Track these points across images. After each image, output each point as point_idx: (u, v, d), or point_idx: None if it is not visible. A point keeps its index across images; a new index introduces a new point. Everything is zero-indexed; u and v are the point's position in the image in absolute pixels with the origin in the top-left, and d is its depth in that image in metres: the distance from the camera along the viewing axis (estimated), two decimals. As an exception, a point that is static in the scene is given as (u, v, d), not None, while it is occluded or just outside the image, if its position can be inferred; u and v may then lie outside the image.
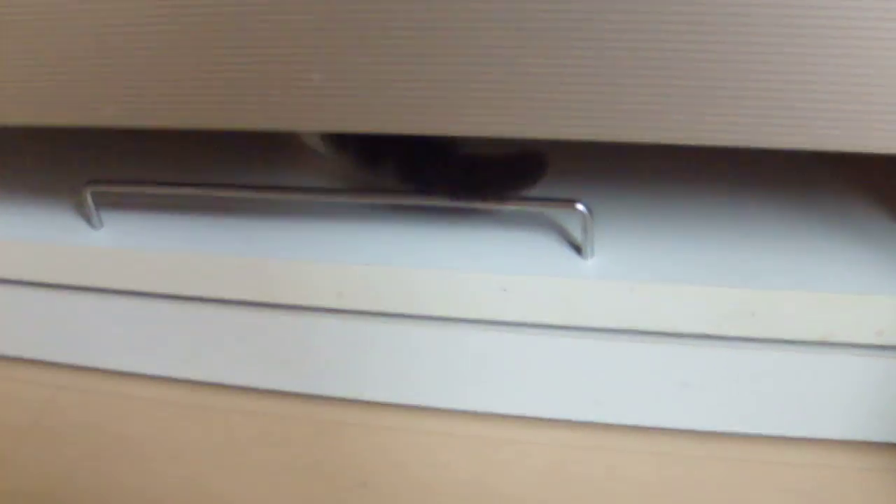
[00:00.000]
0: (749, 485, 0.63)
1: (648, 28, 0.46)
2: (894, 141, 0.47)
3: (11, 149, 0.83)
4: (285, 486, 0.66)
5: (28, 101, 0.57)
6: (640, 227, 0.65)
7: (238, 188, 0.67)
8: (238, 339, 0.70)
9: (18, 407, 0.74)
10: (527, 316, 0.63)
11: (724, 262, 0.61)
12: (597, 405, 0.67)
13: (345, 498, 0.65)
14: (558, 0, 0.46)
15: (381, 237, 0.66)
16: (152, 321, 0.70)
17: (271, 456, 0.68)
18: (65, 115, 0.58)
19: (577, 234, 0.64)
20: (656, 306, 0.60)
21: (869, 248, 0.61)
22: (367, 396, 0.71)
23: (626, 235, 0.64)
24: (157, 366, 0.74)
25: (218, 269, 0.66)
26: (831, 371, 0.61)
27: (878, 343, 0.59)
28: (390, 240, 0.66)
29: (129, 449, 0.70)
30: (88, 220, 0.69)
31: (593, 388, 0.66)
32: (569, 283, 0.61)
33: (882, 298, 0.57)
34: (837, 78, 0.45)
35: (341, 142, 0.69)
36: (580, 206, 0.60)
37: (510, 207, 0.64)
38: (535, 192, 0.62)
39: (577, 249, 0.63)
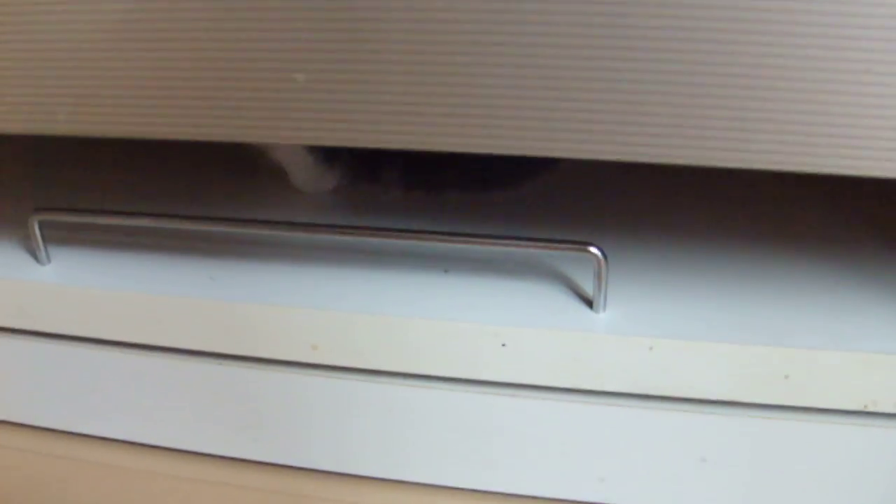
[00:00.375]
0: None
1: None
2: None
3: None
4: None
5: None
6: (657, 279, 0.58)
7: (202, 220, 0.59)
8: (196, 398, 0.61)
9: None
10: (528, 376, 0.55)
11: (752, 318, 0.54)
12: (600, 483, 0.58)
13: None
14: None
15: (365, 283, 0.59)
16: (98, 373, 0.62)
17: (229, 532, 0.60)
18: (16, 122, 0.51)
19: (586, 285, 0.57)
20: (677, 367, 0.53)
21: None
22: (342, 468, 0.62)
23: (641, 287, 0.57)
24: (104, 426, 0.65)
25: (176, 313, 0.58)
26: (874, 444, 0.53)
27: (929, 414, 0.52)
28: (375, 286, 0.58)
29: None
30: (34, 253, 0.61)
31: (598, 462, 0.58)
32: (578, 337, 0.53)
33: (936, 362, 0.51)
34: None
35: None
36: (594, 250, 0.53)
37: (513, 249, 0.57)
38: (539, 235, 0.55)
39: (588, 302, 0.56)
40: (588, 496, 0.59)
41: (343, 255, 0.61)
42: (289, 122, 0.48)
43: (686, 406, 0.55)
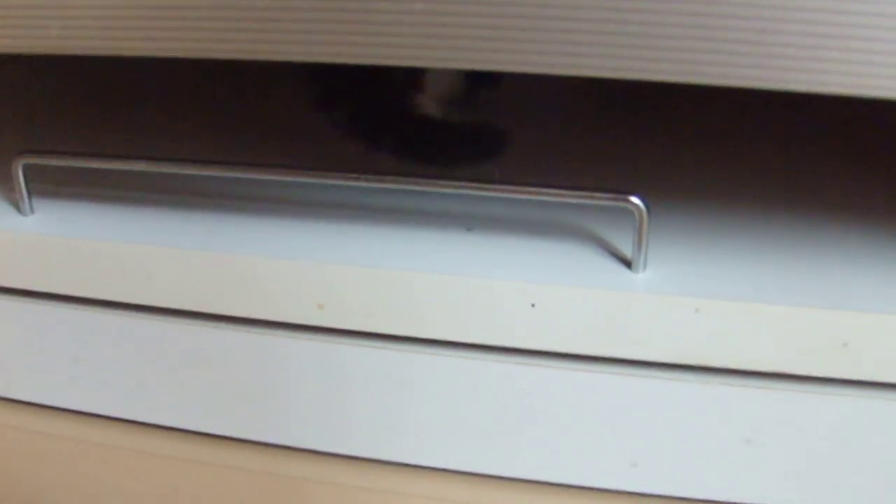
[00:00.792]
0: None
1: None
2: None
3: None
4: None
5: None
6: (699, 237, 0.53)
7: (203, 164, 0.54)
8: (186, 367, 0.56)
9: None
10: (558, 342, 0.50)
11: (807, 280, 0.49)
12: (633, 469, 0.53)
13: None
14: None
15: (379, 240, 0.53)
16: (78, 337, 0.56)
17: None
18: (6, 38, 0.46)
19: (622, 243, 0.51)
20: (725, 333, 0.48)
21: None
22: (343, 449, 0.56)
23: (683, 245, 0.52)
24: (84, 399, 0.59)
25: (168, 267, 0.53)
26: (943, 424, 0.48)
27: None
28: (390, 243, 0.53)
29: (38, 498, 0.55)
30: (17, 202, 0.56)
31: (631, 444, 0.52)
32: (617, 297, 0.48)
33: None
34: None
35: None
36: (635, 200, 0.48)
37: (541, 205, 0.51)
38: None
39: (626, 262, 0.51)
40: (618, 484, 0.53)
41: (355, 213, 0.56)
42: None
43: (731, 379, 0.49)
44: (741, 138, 0.67)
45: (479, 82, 0.65)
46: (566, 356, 0.50)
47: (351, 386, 0.54)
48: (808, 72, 0.40)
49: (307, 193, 0.58)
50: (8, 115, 0.70)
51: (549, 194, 0.50)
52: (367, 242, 0.53)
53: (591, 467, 0.53)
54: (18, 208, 0.56)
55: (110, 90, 0.76)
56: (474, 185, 0.51)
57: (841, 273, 0.50)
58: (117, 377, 0.57)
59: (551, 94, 0.74)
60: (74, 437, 0.59)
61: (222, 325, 0.54)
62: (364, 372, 0.53)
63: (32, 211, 0.56)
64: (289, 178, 0.53)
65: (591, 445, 0.52)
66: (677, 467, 0.52)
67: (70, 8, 0.45)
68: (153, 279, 0.53)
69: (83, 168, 0.57)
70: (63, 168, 0.58)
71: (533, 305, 0.49)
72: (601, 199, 0.49)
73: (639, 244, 0.49)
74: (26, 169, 0.54)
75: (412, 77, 0.63)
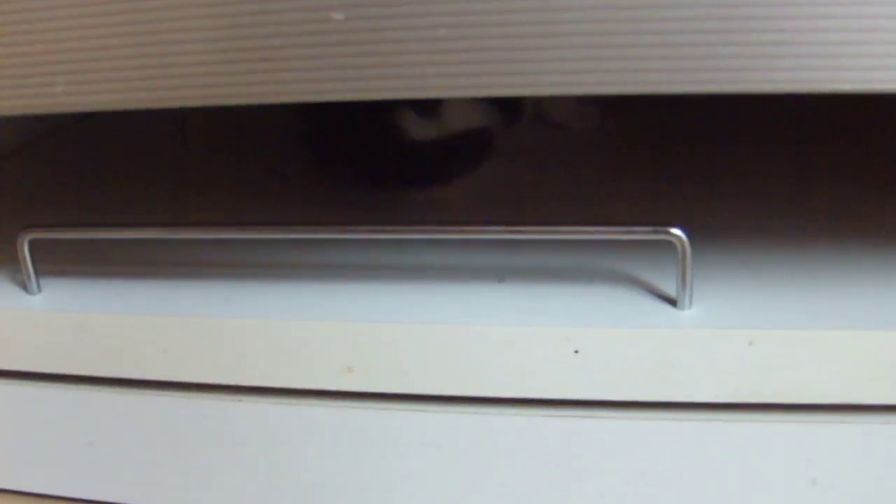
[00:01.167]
0: None
1: None
2: None
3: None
4: None
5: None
6: (744, 268, 0.51)
7: (211, 227, 0.51)
8: (209, 446, 0.52)
9: None
10: (605, 389, 0.47)
11: (861, 303, 0.47)
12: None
13: None
14: None
15: (405, 294, 0.51)
16: (90, 419, 0.53)
17: None
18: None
19: (662, 280, 0.49)
20: (783, 365, 0.45)
21: None
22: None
23: (726, 278, 0.50)
24: (101, 487, 0.55)
25: (182, 336, 0.50)
26: None
27: None
28: (417, 297, 0.50)
29: None
30: (23, 282, 0.53)
31: (691, 493, 0.49)
32: (665, 336, 0.45)
33: None
34: None
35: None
36: (677, 232, 0.46)
37: (579, 237, 0.49)
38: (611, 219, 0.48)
39: (669, 299, 0.48)
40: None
41: (378, 270, 0.54)
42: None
43: (791, 415, 0.46)
44: (775, 167, 0.66)
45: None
46: (615, 405, 0.47)
47: (386, 453, 0.50)
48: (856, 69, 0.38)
49: (326, 253, 0.56)
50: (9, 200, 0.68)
51: (585, 232, 0.48)
52: (394, 299, 0.50)
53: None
54: (25, 287, 0.53)
55: (109, 169, 0.74)
56: (507, 228, 0.48)
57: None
58: (135, 461, 0.53)
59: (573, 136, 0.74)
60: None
61: (245, 397, 0.51)
62: (399, 437, 0.50)
63: (40, 289, 0.53)
64: (306, 237, 0.51)
65: (647, 500, 0.49)
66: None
67: (75, 62, 0.43)
68: (169, 352, 0.50)
69: (90, 245, 0.55)
70: (69, 246, 0.56)
71: (576, 352, 0.46)
72: (641, 234, 0.47)
73: (683, 279, 0.46)
74: (32, 245, 0.52)
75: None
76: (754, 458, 0.47)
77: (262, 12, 0.41)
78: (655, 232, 0.46)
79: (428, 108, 0.62)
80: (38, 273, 0.53)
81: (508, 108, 0.68)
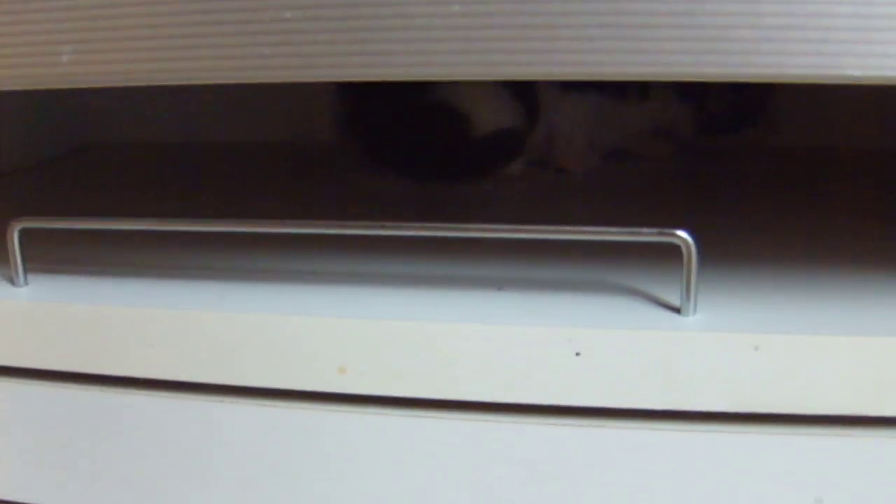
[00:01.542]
0: None
1: None
2: None
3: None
4: None
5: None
6: (750, 275, 0.50)
7: (209, 220, 0.50)
8: (193, 448, 0.50)
9: None
10: (607, 394, 0.45)
11: (871, 310, 0.46)
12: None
13: None
14: None
15: (401, 297, 0.50)
16: (68, 419, 0.51)
17: None
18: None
19: (665, 287, 0.48)
20: (789, 372, 0.44)
21: None
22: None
23: (733, 285, 0.49)
24: (76, 496, 0.53)
25: (170, 331, 0.48)
26: None
27: None
28: (414, 300, 0.49)
29: None
30: (10, 276, 0.51)
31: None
32: (670, 339, 0.44)
33: None
34: None
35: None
36: (683, 234, 0.45)
37: (584, 237, 0.48)
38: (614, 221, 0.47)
39: (674, 309, 0.47)
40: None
41: (375, 273, 0.53)
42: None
43: (798, 428, 0.45)
44: (781, 173, 0.66)
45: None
46: (617, 413, 0.46)
47: (378, 461, 0.48)
48: (862, 55, 0.38)
49: (323, 253, 0.55)
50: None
51: (589, 233, 0.47)
52: (390, 298, 0.49)
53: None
54: (11, 280, 0.51)
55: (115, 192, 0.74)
56: (509, 227, 0.48)
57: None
58: (113, 464, 0.51)
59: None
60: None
61: (231, 398, 0.49)
62: (392, 444, 0.48)
63: (26, 282, 0.51)
64: (303, 231, 0.50)
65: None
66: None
67: (82, 31, 0.43)
68: (156, 348, 0.48)
69: (82, 244, 0.54)
70: (61, 245, 0.54)
71: (578, 354, 0.45)
72: (646, 236, 0.46)
73: (687, 284, 0.46)
74: (22, 236, 0.51)
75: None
76: (758, 473, 0.45)
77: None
78: (661, 234, 0.46)
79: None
80: (27, 267, 0.51)
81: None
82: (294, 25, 0.41)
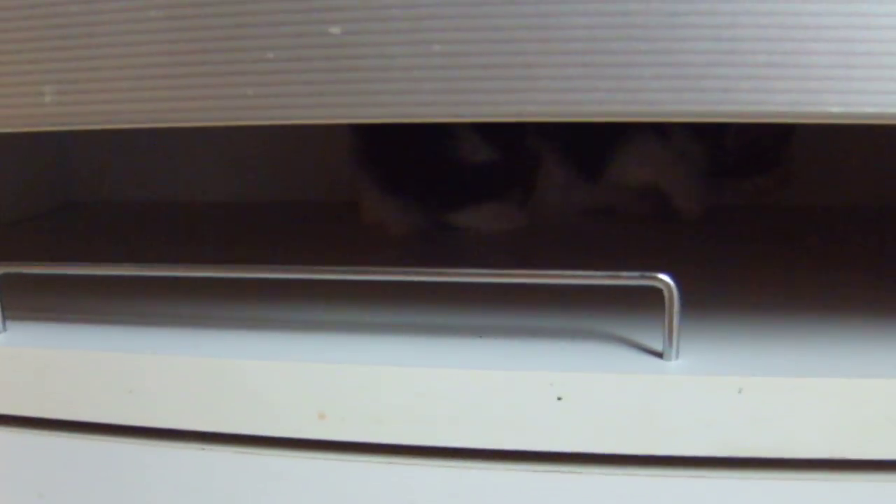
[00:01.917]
0: None
1: None
2: None
3: None
4: None
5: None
6: (731, 320, 0.50)
7: (181, 266, 0.50)
8: (170, 498, 0.49)
9: None
10: (589, 440, 0.45)
11: (854, 353, 0.46)
12: None
13: None
14: None
15: (379, 341, 0.49)
16: (43, 468, 0.50)
17: None
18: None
19: (647, 338, 0.48)
20: (773, 415, 0.43)
21: None
22: None
23: (715, 330, 0.49)
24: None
25: (149, 376, 0.48)
26: None
27: None
28: (393, 347, 0.49)
29: None
30: (-11, 316, 0.51)
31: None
32: (652, 382, 0.44)
33: None
34: None
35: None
36: (664, 278, 0.45)
37: (565, 282, 0.48)
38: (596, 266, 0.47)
39: (657, 354, 0.46)
40: None
41: (354, 322, 0.52)
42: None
43: (782, 473, 0.44)
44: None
45: None
46: (599, 459, 0.45)
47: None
48: (841, 92, 0.38)
49: (304, 300, 0.55)
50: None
51: (571, 277, 0.47)
52: (370, 344, 0.49)
53: None
54: (-10, 322, 0.51)
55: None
56: (491, 272, 0.47)
57: (885, 341, 0.46)
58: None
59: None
60: None
61: (210, 445, 0.48)
62: (371, 492, 0.47)
63: (5, 328, 0.51)
64: (278, 276, 0.50)
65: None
66: None
67: (65, 72, 0.43)
68: (134, 394, 0.48)
69: (61, 291, 0.53)
70: (41, 295, 0.54)
71: (559, 399, 0.44)
72: (628, 279, 0.46)
73: (669, 328, 0.45)
74: (2, 281, 0.50)
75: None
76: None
77: (258, 25, 0.41)
78: (643, 277, 0.45)
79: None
80: (7, 314, 0.51)
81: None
82: (277, 66, 0.41)
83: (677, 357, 0.46)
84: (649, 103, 0.39)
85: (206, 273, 0.49)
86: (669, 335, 0.45)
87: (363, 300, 0.56)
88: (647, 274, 0.45)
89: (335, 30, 0.41)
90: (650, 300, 0.46)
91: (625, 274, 0.46)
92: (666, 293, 0.45)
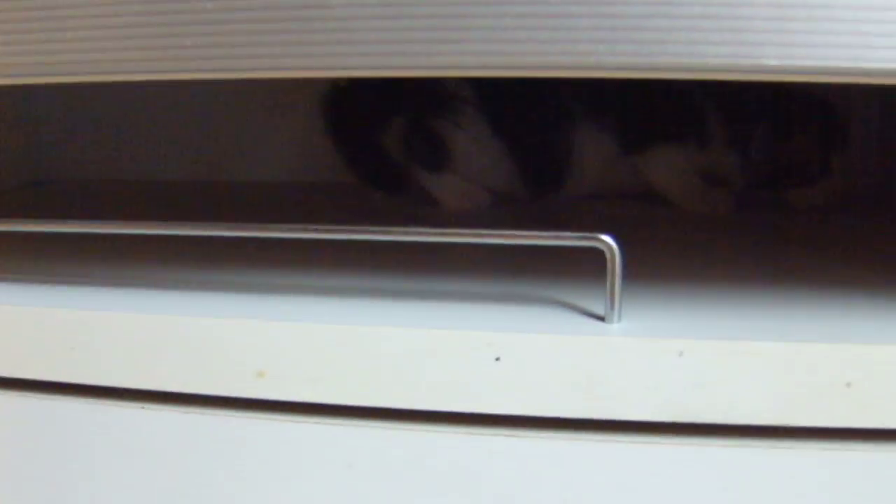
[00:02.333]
0: None
1: None
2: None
3: None
4: None
5: None
6: (675, 283, 0.49)
7: (125, 224, 0.50)
8: (110, 457, 0.49)
9: None
10: (526, 402, 0.44)
11: (798, 317, 0.46)
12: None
13: None
14: None
15: (319, 301, 0.49)
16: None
17: None
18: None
19: (589, 295, 0.47)
20: (714, 379, 0.43)
21: None
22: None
23: (658, 293, 0.48)
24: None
25: (92, 333, 0.47)
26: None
27: None
28: (334, 305, 0.49)
29: None
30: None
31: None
32: (592, 344, 0.43)
33: None
34: None
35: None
36: (606, 239, 0.44)
37: (509, 241, 0.47)
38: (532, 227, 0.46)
39: (598, 317, 0.46)
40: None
41: (292, 285, 0.52)
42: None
43: (724, 440, 0.44)
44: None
45: None
46: (537, 422, 0.45)
47: (296, 468, 0.47)
48: (780, 45, 0.38)
49: (245, 262, 0.56)
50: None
51: (513, 237, 0.46)
52: (309, 306, 0.48)
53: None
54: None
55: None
56: (434, 230, 0.47)
57: (836, 308, 0.46)
58: (26, 473, 0.49)
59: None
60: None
61: (150, 404, 0.48)
62: (309, 453, 0.47)
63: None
64: (219, 233, 0.49)
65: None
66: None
67: (1, 23, 0.43)
68: (76, 351, 0.47)
69: (9, 252, 0.53)
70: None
71: (497, 359, 0.44)
72: (569, 240, 0.45)
73: (611, 290, 0.45)
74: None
75: None
76: (681, 484, 0.44)
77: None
78: (584, 238, 0.45)
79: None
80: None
81: None
82: (215, 16, 0.41)
83: (619, 320, 0.45)
84: (584, 54, 0.39)
85: (147, 230, 0.49)
86: (611, 298, 0.45)
87: (304, 261, 0.56)
88: (589, 235, 0.45)
89: None
90: (596, 267, 0.46)
91: (567, 234, 0.45)
92: (608, 254, 0.44)
